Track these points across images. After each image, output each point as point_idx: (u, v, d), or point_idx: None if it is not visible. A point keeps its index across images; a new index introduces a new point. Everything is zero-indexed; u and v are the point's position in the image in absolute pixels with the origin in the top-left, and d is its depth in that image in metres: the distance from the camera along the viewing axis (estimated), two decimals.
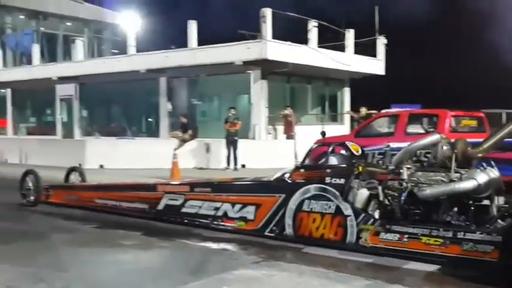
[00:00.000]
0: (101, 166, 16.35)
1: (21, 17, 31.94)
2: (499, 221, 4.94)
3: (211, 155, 16.42)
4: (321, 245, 5.77)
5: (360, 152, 6.17)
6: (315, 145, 6.73)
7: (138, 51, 21.30)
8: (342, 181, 5.73)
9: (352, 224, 5.51)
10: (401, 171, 5.60)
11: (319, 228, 5.75)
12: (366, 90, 23.11)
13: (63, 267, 5.20)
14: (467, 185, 5.09)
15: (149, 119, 22.81)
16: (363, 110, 16.74)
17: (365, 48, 22.00)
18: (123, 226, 7.26)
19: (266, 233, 6.19)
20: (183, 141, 16.29)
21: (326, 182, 5.81)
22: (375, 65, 22.28)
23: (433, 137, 5.72)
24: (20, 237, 6.68)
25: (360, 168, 5.87)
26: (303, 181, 6.04)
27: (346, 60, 20.44)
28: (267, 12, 17.32)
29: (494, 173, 5.20)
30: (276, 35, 17.62)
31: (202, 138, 17.62)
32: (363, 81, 23.24)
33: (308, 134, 16.64)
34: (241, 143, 15.81)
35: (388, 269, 5.02)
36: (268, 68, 18.07)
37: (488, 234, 4.73)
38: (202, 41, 19.00)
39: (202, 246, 6.08)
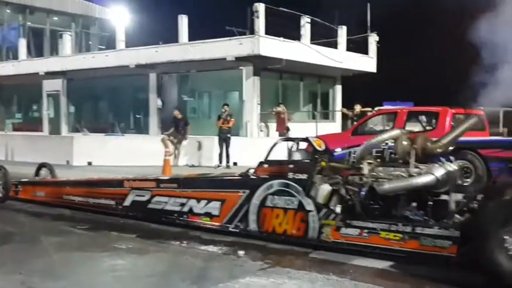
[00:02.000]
0: (89, 163, 15.94)
1: (8, 11, 31.19)
2: (457, 216, 4.91)
3: (203, 153, 16.10)
4: (283, 241, 5.76)
5: (323, 147, 6.17)
6: (279, 140, 6.75)
7: (127, 46, 20.86)
8: (305, 176, 5.73)
9: (314, 220, 5.55)
10: (362, 166, 5.56)
11: (282, 224, 5.79)
12: (357, 87, 22.91)
13: (56, 274, 4.84)
14: (425, 179, 5.09)
15: (138, 116, 22.39)
16: (357, 108, 16.48)
17: (357, 45, 21.81)
18: (116, 228, 6.91)
19: (231, 229, 6.21)
20: (179, 142, 15.99)
21: (289, 177, 5.82)
22: (367, 62, 22.08)
23: (393, 132, 5.74)
24: (6, 239, 6.27)
25: (323, 164, 5.86)
26: (266, 177, 6.02)
27: (339, 57, 20.21)
28: (260, 8, 17.01)
29: (452, 167, 5.23)
30: (269, 31, 17.31)
31: (193, 135, 17.29)
32: (355, 79, 23.04)
33: (300, 131, 16.42)
34: (233, 140, 15.50)
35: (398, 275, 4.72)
36: (261, 64, 17.78)
37: (446, 229, 4.74)
38: (192, 37, 18.66)
39: (203, 250, 5.72)
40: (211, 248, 5.76)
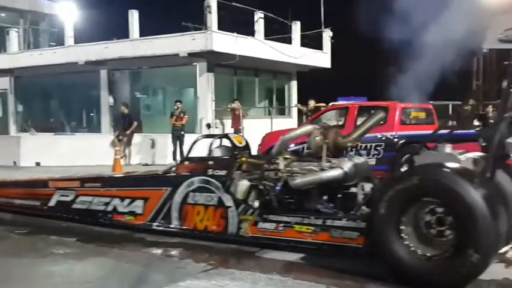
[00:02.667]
0: (38, 164, 15.38)
1: None
2: (364, 207, 5.04)
3: (157, 151, 15.82)
4: (205, 237, 5.79)
5: (244, 143, 6.26)
6: (200, 137, 6.83)
7: (77, 42, 20.24)
8: (224, 173, 5.81)
9: (233, 215, 5.65)
10: (277, 161, 5.64)
11: (203, 220, 5.86)
12: (313, 83, 22.95)
13: None
14: (334, 173, 5.26)
15: (91, 114, 21.77)
16: (311, 103, 16.54)
17: (312, 41, 21.84)
18: (56, 231, 6.60)
19: (154, 227, 6.18)
20: (128, 141, 15.57)
21: (209, 174, 5.89)
22: (321, 58, 22.13)
23: (307, 128, 5.86)
24: None
25: (243, 160, 5.93)
26: (188, 174, 6.04)
27: (293, 52, 20.17)
28: (212, 2, 16.76)
29: (361, 161, 5.47)
30: (222, 27, 17.10)
31: (147, 133, 16.96)
32: (310, 75, 23.07)
33: (256, 127, 16.31)
34: (187, 138, 15.23)
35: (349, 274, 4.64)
36: (215, 60, 17.54)
37: (354, 220, 4.91)
38: (148, 33, 18.24)
39: (145, 253, 5.51)
40: (154, 251, 5.56)
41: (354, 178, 5.32)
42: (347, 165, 5.27)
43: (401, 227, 4.30)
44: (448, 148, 4.80)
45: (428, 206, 4.27)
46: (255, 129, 15.75)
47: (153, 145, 16.11)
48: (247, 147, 6.31)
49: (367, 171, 5.58)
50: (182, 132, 15.11)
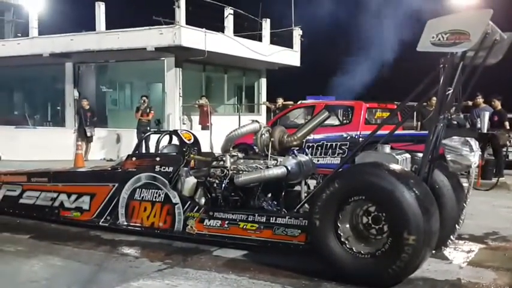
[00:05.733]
0: None
1: None
2: (306, 205, 5.07)
3: (122, 146, 15.54)
4: (151, 234, 5.79)
5: (193, 139, 6.30)
6: (148, 134, 6.93)
7: (43, 34, 19.69)
8: (171, 169, 5.83)
9: (180, 212, 5.65)
10: (224, 158, 5.68)
11: (150, 217, 5.85)
12: (282, 81, 22.92)
13: None
14: (277, 171, 5.33)
15: (57, 107, 21.23)
16: (280, 101, 16.53)
17: (282, 39, 21.80)
18: (10, 228, 6.39)
19: (101, 223, 6.14)
20: (89, 137, 15.23)
21: (156, 170, 5.89)
22: (291, 56, 22.10)
23: (253, 125, 5.87)
24: None
25: (191, 156, 6.01)
26: (134, 170, 6.03)
27: (263, 50, 20.09)
28: None
29: (305, 159, 5.52)
30: (192, 22, 16.88)
31: (112, 128, 16.67)
32: (279, 72, 23.05)
33: (224, 124, 16.18)
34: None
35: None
36: (183, 56, 17.32)
37: (296, 218, 4.97)
38: (116, 27, 17.83)
39: (100, 251, 5.35)
40: (109, 249, 5.40)
41: (298, 176, 5.39)
42: (291, 163, 5.35)
43: (339, 225, 4.33)
44: (387, 148, 4.86)
45: (363, 205, 4.34)
46: (224, 126, 15.61)
47: (118, 140, 15.85)
48: (196, 143, 6.31)
49: (312, 169, 5.66)
50: (148, 128, 14.90)
